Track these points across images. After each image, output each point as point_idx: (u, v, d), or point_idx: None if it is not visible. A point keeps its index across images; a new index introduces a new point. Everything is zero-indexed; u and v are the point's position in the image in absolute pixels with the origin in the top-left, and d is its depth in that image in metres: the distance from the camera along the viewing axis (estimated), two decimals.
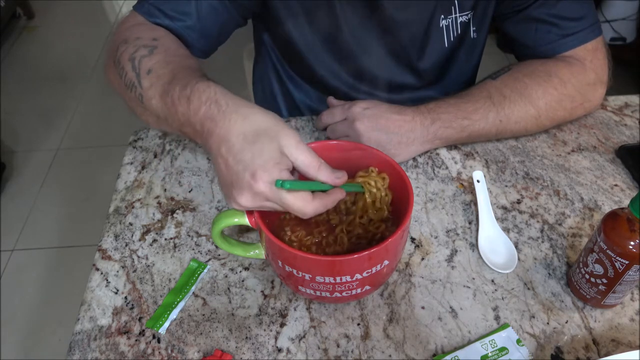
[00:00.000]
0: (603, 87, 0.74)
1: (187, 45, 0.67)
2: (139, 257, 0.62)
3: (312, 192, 0.47)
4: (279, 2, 0.71)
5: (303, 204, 0.46)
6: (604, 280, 0.51)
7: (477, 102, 0.69)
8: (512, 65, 0.73)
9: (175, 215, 0.66)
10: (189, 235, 0.64)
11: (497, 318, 0.54)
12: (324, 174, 0.47)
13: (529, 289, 0.57)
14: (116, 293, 0.58)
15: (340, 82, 0.80)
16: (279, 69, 0.86)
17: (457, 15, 0.72)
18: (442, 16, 0.72)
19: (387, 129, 0.66)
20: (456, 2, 0.71)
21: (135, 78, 0.57)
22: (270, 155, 0.45)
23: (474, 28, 0.75)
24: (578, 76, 0.71)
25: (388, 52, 0.76)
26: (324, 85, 0.81)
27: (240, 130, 0.46)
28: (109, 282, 0.59)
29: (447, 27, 0.73)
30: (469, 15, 0.73)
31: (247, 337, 0.54)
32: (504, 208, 0.66)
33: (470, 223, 0.64)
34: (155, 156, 0.74)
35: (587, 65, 0.72)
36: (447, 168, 0.71)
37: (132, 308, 0.57)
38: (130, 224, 0.66)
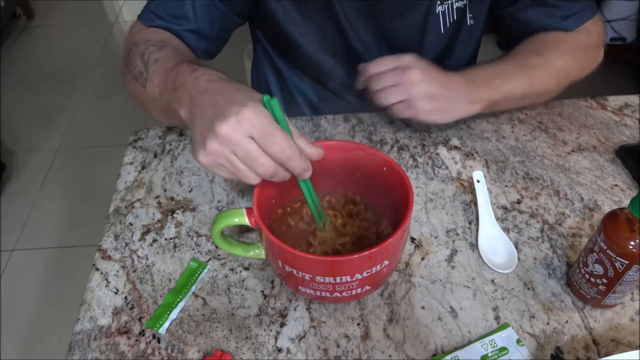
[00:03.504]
0: (602, 49, 0.79)
1: (189, 47, 0.71)
2: (139, 257, 0.62)
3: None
4: (276, 6, 0.73)
5: (286, 136, 0.46)
6: (604, 280, 0.51)
7: (505, 65, 0.71)
8: (521, 44, 0.76)
9: (175, 215, 0.66)
10: (189, 235, 0.64)
11: (497, 318, 0.54)
12: (302, 140, 0.49)
13: (529, 289, 0.57)
14: (116, 293, 0.58)
15: (337, 72, 0.81)
16: (278, 64, 0.87)
17: (453, 0, 0.73)
18: (439, 2, 0.73)
19: (440, 82, 0.66)
20: None
21: (143, 68, 0.63)
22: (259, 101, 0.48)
23: (471, 15, 0.76)
24: (584, 40, 0.75)
25: (384, 39, 0.76)
26: (322, 76, 0.82)
27: (238, 87, 0.51)
28: (109, 282, 0.59)
29: (444, 12, 0.74)
30: (465, 1, 0.74)
31: (247, 337, 0.54)
32: (504, 208, 0.66)
33: (470, 223, 0.64)
34: (155, 156, 0.74)
35: (591, 31, 0.76)
36: (447, 168, 0.71)
37: (132, 308, 0.57)
38: (130, 224, 0.66)
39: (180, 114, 0.54)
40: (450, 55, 0.80)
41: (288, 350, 0.53)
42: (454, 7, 0.74)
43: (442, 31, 0.76)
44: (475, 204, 0.64)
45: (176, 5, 0.69)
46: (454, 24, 0.75)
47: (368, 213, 0.59)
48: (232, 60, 0.89)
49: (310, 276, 0.48)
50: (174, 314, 0.56)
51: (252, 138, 0.46)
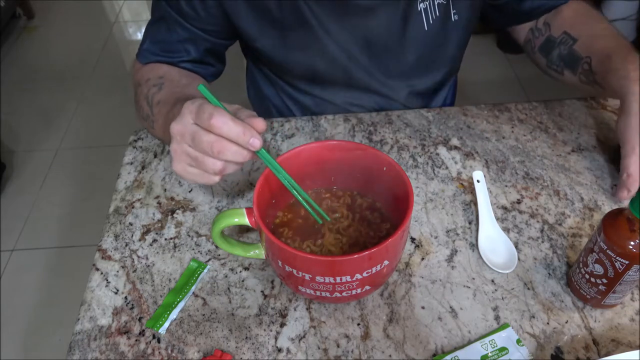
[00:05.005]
0: None
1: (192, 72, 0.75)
2: (139, 257, 0.62)
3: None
4: (247, 25, 0.73)
5: (215, 107, 0.48)
6: (604, 280, 0.51)
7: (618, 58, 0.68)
8: (570, 41, 0.75)
9: (175, 215, 0.66)
10: (189, 235, 0.64)
11: (497, 318, 0.55)
12: (244, 113, 0.50)
13: (529, 289, 0.57)
14: (116, 293, 0.58)
15: (307, 72, 0.81)
16: (267, 73, 0.88)
17: None
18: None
19: None
20: None
21: (149, 110, 0.69)
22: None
23: (455, 11, 0.76)
24: (586, 5, 0.77)
25: (360, 39, 0.76)
26: (301, 79, 0.83)
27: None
28: (109, 282, 0.59)
29: (425, 10, 0.74)
30: None
31: (247, 337, 0.54)
32: (504, 208, 0.66)
33: (470, 223, 0.64)
34: (155, 156, 0.74)
35: None
36: (447, 168, 0.71)
37: (132, 308, 0.57)
38: (130, 224, 0.66)
39: None
40: (436, 51, 0.80)
41: (288, 350, 0.53)
42: (436, 3, 0.73)
43: (426, 28, 0.75)
44: (475, 204, 0.64)
45: (167, 43, 0.73)
46: (438, 20, 0.75)
47: (368, 213, 0.59)
48: (232, 62, 0.89)
49: (310, 276, 0.48)
50: (174, 314, 0.56)
51: (195, 124, 0.50)
